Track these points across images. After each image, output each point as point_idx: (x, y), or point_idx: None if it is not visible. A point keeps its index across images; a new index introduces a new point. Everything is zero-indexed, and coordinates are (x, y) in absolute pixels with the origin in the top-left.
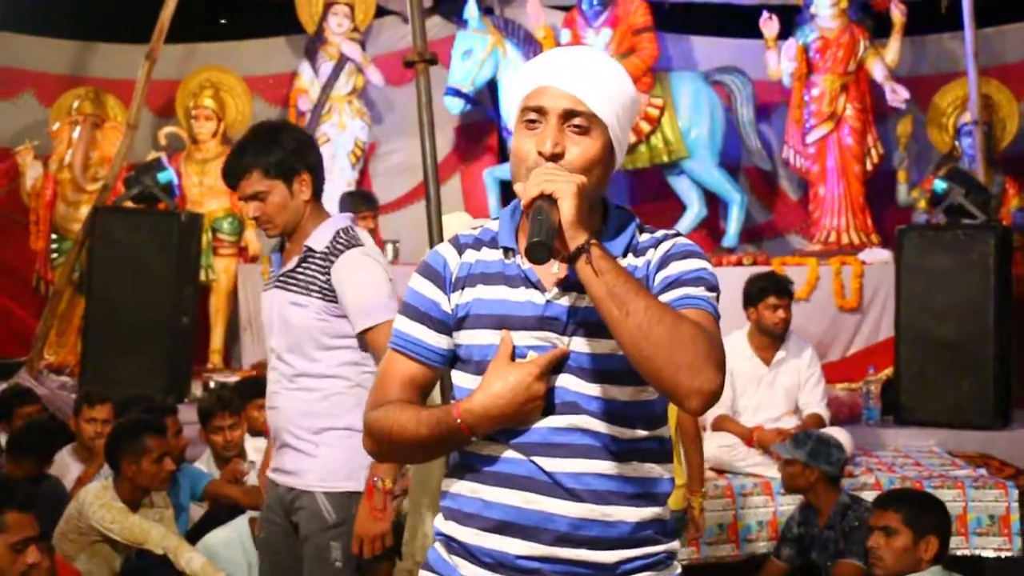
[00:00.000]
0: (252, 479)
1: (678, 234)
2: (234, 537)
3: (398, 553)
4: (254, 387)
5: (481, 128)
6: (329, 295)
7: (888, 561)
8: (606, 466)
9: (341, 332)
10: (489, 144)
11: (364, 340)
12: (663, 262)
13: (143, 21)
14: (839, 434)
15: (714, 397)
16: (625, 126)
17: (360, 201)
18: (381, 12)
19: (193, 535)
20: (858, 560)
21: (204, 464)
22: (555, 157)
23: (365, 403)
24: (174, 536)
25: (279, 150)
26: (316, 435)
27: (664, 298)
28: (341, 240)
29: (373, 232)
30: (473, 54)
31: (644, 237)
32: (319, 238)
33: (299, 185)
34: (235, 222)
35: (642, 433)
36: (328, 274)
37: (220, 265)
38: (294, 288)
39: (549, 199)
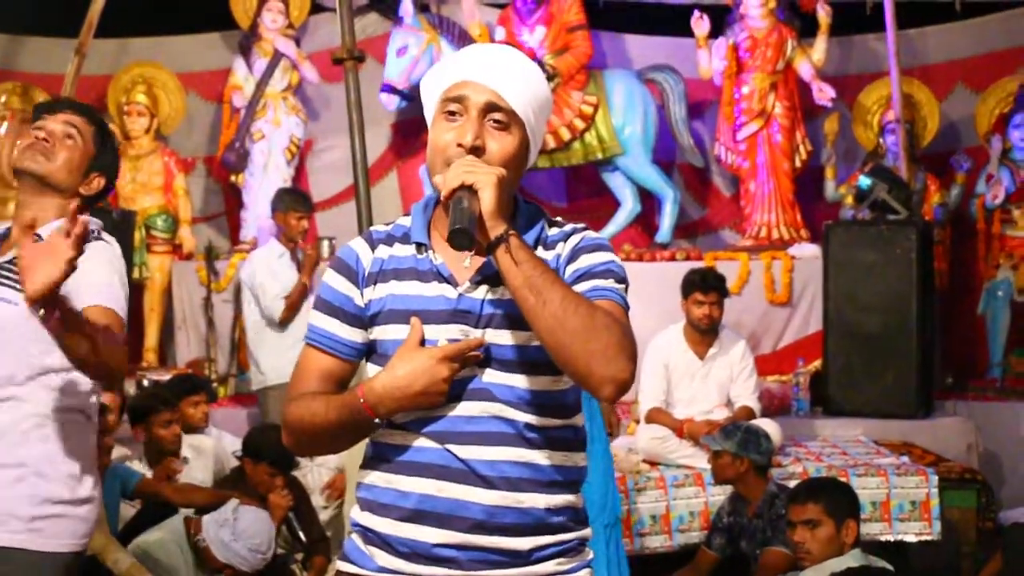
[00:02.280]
0: (185, 477)
1: (586, 228)
2: (169, 538)
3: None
4: (188, 384)
5: (417, 124)
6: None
7: (816, 553)
8: (520, 453)
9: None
10: (426, 141)
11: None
12: (573, 255)
13: (73, 15)
14: (769, 425)
15: (626, 385)
16: (540, 126)
17: (295, 200)
18: (316, 9)
19: (125, 535)
20: (784, 547)
21: (137, 462)
22: (475, 150)
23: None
24: (100, 535)
25: (111, 147)
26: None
27: (575, 289)
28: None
29: (307, 231)
30: (408, 51)
31: (553, 231)
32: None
33: (93, 178)
34: (169, 219)
35: (556, 422)
36: None
37: (154, 263)
38: (6, 282)
39: (470, 190)
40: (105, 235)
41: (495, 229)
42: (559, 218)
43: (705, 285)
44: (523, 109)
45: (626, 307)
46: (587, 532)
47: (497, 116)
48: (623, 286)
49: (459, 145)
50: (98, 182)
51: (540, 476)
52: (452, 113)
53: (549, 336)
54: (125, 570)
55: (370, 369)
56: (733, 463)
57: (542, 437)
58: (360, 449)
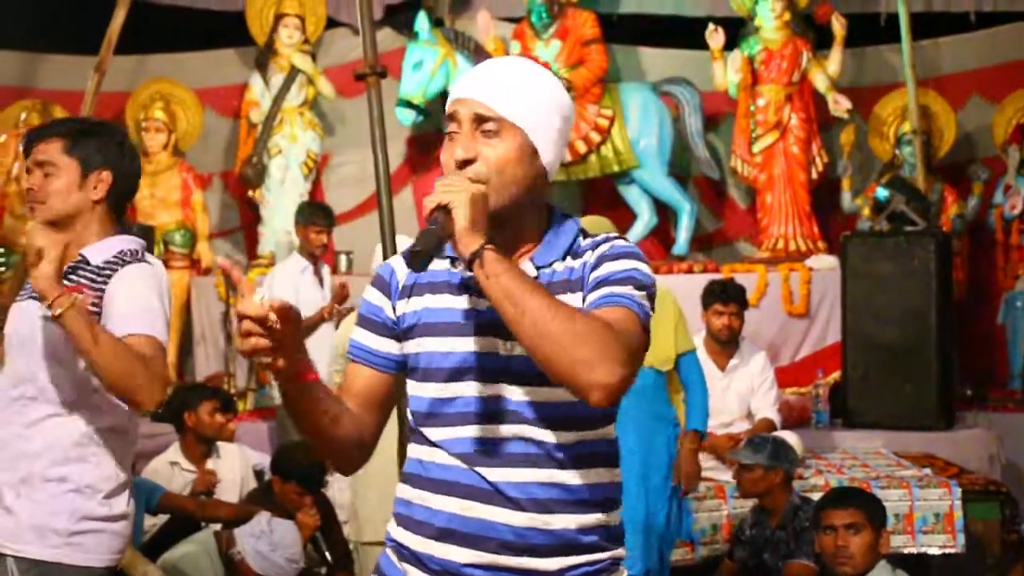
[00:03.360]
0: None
1: (619, 237)
2: (200, 551)
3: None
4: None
5: (433, 139)
6: (94, 311)
7: (858, 558)
8: (549, 474)
9: None
10: (440, 155)
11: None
12: (598, 263)
13: (92, 32)
14: (789, 437)
15: (615, 390)
16: (549, 126)
17: (315, 214)
18: (332, 24)
19: (150, 548)
20: (808, 560)
21: (172, 455)
22: (466, 163)
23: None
24: (127, 549)
25: (95, 139)
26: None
27: (591, 297)
28: (127, 257)
29: (326, 246)
30: (423, 66)
31: (586, 241)
32: (100, 250)
33: (95, 180)
34: (187, 235)
35: (585, 435)
36: (101, 290)
37: (172, 278)
38: None
39: (445, 209)
40: (149, 256)
41: (470, 245)
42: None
43: (725, 296)
44: (515, 112)
45: (641, 313)
46: (620, 552)
47: (487, 126)
48: (643, 292)
49: (454, 161)
50: (102, 176)
51: (570, 496)
52: (451, 133)
53: (531, 346)
54: None
55: (409, 386)
56: (765, 476)
57: (570, 455)
58: (369, 475)
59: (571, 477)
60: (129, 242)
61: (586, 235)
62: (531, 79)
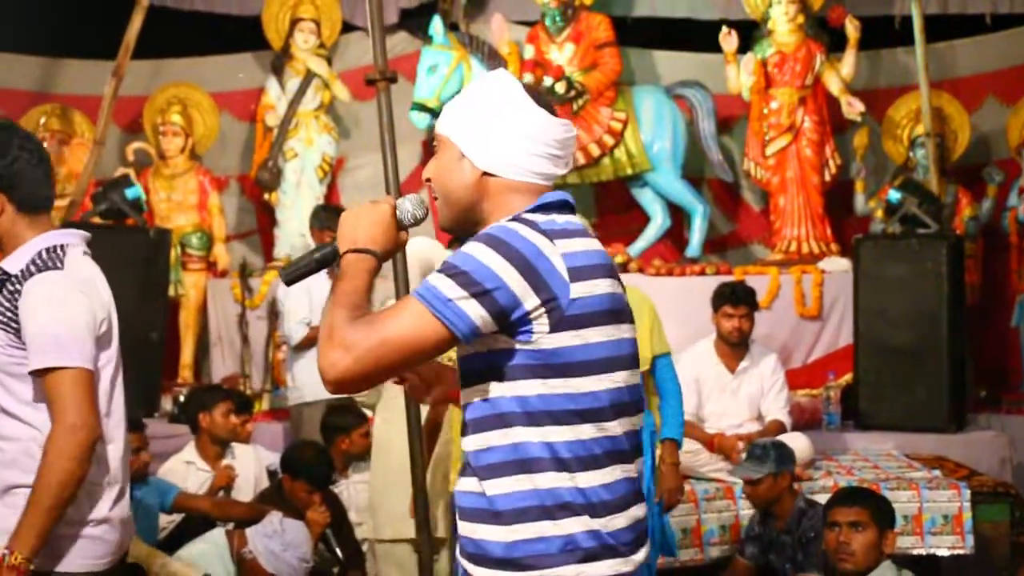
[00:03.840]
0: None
1: (508, 220)
2: (212, 550)
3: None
4: (238, 400)
5: None
6: (14, 326)
7: (859, 556)
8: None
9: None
10: None
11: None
12: None
13: (110, 37)
14: (799, 439)
15: (337, 380)
16: (475, 126)
17: (329, 219)
18: (347, 28)
19: (165, 547)
20: (817, 572)
21: (187, 455)
22: (428, 181)
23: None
24: (142, 545)
25: None
26: None
27: None
28: (38, 262)
29: None
30: (438, 69)
31: None
32: (16, 258)
33: None
34: (204, 237)
35: (476, 441)
36: (17, 302)
37: (189, 280)
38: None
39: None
40: (72, 252)
41: (340, 248)
42: (530, 215)
43: (735, 298)
44: (444, 125)
45: (431, 305)
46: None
47: (435, 145)
48: (445, 277)
49: None
50: None
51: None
52: None
53: None
54: (176, 571)
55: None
56: (775, 483)
57: (470, 457)
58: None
59: (472, 485)
60: (48, 240)
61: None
62: (467, 91)
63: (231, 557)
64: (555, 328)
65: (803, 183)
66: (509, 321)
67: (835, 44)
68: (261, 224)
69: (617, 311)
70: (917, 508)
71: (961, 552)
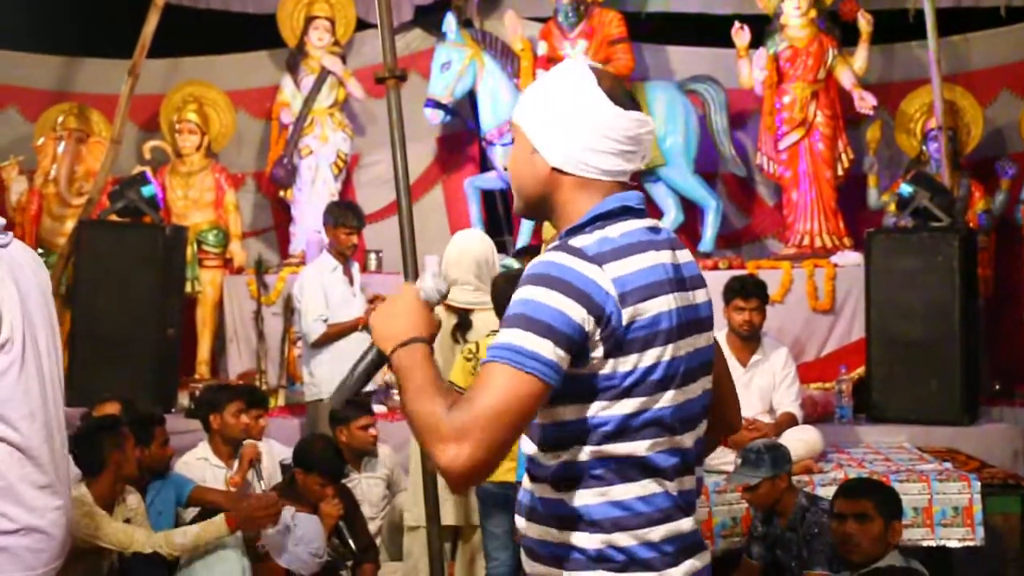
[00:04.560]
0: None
1: (556, 247)
2: (227, 542)
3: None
4: (253, 397)
5: (462, 138)
6: None
7: (865, 547)
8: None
9: None
10: (470, 154)
11: None
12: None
13: (126, 37)
14: (810, 432)
15: (465, 473)
16: (545, 120)
17: (345, 215)
18: (362, 25)
19: None
20: (824, 569)
21: (201, 452)
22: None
23: None
24: (158, 533)
25: None
26: None
27: None
28: None
29: (356, 247)
30: (451, 66)
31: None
32: None
33: None
34: (220, 234)
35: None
36: None
37: (206, 277)
38: None
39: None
40: None
41: (385, 350)
42: (582, 235)
43: (745, 291)
44: (520, 116)
45: (513, 362)
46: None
47: (511, 132)
48: (516, 331)
49: None
50: None
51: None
52: None
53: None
54: (195, 534)
55: None
56: (774, 485)
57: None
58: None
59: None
60: None
61: (572, 231)
62: (542, 81)
63: (246, 550)
64: (609, 354)
65: (816, 177)
66: (578, 350)
67: (847, 38)
68: (277, 221)
69: (681, 325)
70: (927, 500)
71: (972, 544)
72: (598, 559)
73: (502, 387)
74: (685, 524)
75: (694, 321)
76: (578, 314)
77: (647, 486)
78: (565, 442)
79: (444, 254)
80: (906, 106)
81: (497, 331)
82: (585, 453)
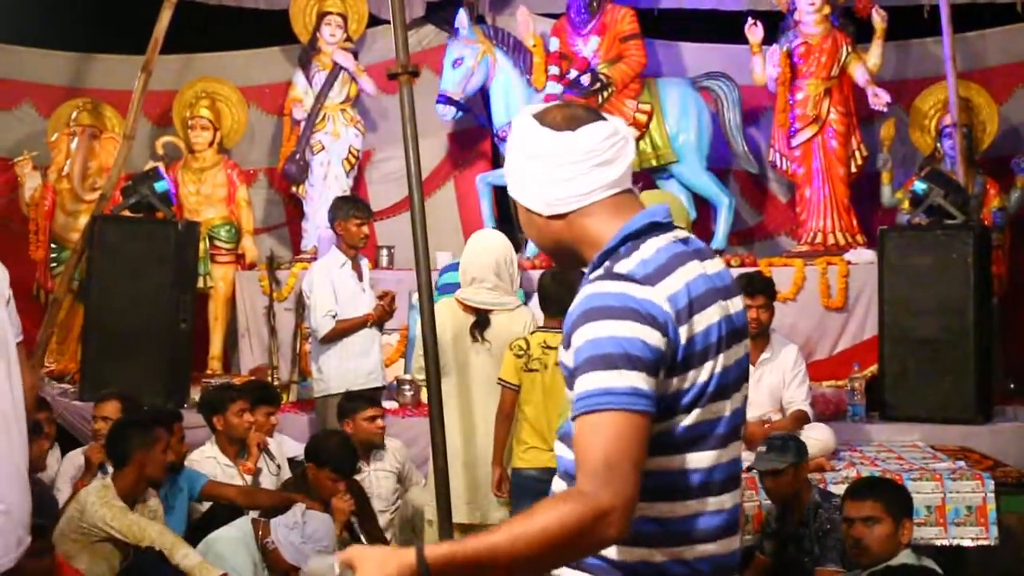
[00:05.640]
0: (266, 480)
1: (599, 278)
2: (238, 536)
3: None
4: (265, 394)
5: (474, 135)
6: None
7: (874, 550)
8: None
9: None
10: (482, 150)
11: None
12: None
13: (139, 33)
14: (822, 430)
15: (619, 526)
16: (521, 178)
17: (353, 207)
18: (375, 21)
19: (193, 533)
20: (836, 567)
21: (209, 451)
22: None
23: None
24: (170, 534)
25: None
26: None
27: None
28: None
29: (368, 237)
30: (464, 62)
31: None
32: None
33: None
34: (232, 230)
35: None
36: None
37: (218, 272)
38: None
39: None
40: None
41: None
42: (620, 259)
43: (751, 288)
44: (508, 187)
45: (614, 406)
46: None
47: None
48: (608, 372)
49: None
50: None
51: None
52: None
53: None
54: (195, 564)
55: None
56: (796, 474)
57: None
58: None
59: None
60: None
61: (606, 255)
62: (513, 135)
63: (256, 545)
64: (671, 373)
65: (829, 174)
66: (661, 368)
67: (861, 35)
68: (289, 217)
69: (728, 335)
70: (940, 499)
71: (985, 543)
72: (629, 573)
73: (612, 435)
74: (723, 545)
75: (735, 331)
76: (653, 337)
77: (689, 505)
78: None
79: (463, 253)
80: (921, 103)
81: (544, 328)
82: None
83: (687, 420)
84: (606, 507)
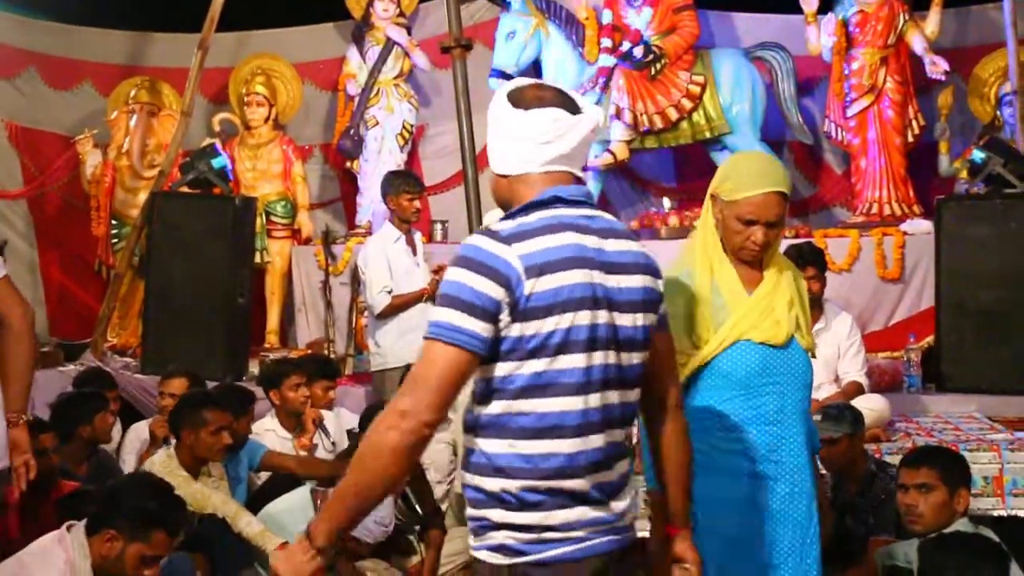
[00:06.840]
0: (321, 456)
1: (477, 232)
2: (297, 507)
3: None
4: (325, 369)
5: None
6: None
7: (928, 517)
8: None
9: None
10: None
11: None
12: None
13: (195, 11)
14: (877, 401)
15: (418, 436)
16: (488, 139)
17: (405, 181)
18: None
19: (253, 503)
20: (889, 536)
21: (268, 424)
22: None
23: None
24: (233, 502)
25: None
26: None
27: None
28: None
29: (420, 212)
30: (516, 36)
31: None
32: None
33: None
34: (288, 205)
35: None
36: None
37: (274, 248)
38: None
39: None
40: None
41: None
42: (509, 220)
43: (801, 260)
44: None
45: (445, 338)
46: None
47: None
48: (446, 310)
49: None
50: None
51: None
52: None
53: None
54: (256, 532)
55: None
56: (852, 443)
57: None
58: None
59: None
60: None
61: (511, 215)
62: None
63: (315, 514)
64: (514, 319)
65: (885, 144)
66: (499, 319)
67: (919, 2)
68: (344, 192)
69: (592, 299)
70: (998, 469)
71: None
72: (497, 500)
73: (439, 362)
74: (593, 479)
75: (611, 300)
76: (488, 287)
77: (547, 444)
78: (486, 396)
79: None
80: (980, 70)
81: None
82: (498, 407)
83: (536, 367)
84: (402, 409)
